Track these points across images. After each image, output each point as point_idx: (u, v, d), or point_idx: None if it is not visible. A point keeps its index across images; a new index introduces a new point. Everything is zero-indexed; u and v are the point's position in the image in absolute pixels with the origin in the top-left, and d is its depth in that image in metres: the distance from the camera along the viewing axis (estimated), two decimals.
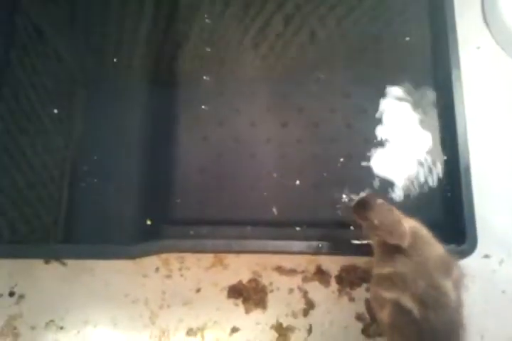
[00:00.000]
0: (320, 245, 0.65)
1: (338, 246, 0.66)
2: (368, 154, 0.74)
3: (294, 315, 0.69)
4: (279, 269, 0.70)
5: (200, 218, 0.70)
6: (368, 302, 0.68)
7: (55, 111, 0.75)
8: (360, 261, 0.70)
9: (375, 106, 0.76)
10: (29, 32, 0.78)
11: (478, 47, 0.83)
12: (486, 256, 0.72)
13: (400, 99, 0.77)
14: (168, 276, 0.70)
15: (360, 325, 0.68)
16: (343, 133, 0.75)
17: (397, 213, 0.57)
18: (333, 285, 0.70)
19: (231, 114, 0.76)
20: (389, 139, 0.75)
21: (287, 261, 0.71)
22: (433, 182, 0.73)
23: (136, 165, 0.73)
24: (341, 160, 0.74)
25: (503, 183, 0.75)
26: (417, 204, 0.71)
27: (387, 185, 0.72)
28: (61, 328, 0.67)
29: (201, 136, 0.75)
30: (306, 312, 0.69)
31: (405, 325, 0.53)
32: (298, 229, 0.70)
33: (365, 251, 0.62)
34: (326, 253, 0.66)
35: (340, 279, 0.70)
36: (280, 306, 0.69)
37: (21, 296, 0.68)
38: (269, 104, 0.77)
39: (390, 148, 0.74)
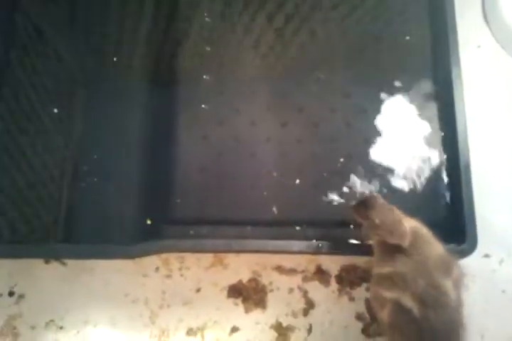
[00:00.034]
0: (320, 245, 0.65)
1: (338, 246, 0.66)
2: (368, 154, 0.74)
3: (294, 315, 0.68)
4: (279, 269, 0.70)
5: (200, 218, 0.70)
6: (368, 301, 0.68)
7: (55, 110, 0.75)
8: (360, 260, 0.70)
9: (375, 106, 0.76)
10: (29, 32, 0.78)
11: (479, 46, 0.83)
12: (486, 256, 0.72)
13: (399, 98, 0.77)
14: (168, 276, 0.70)
15: (360, 325, 0.68)
16: (343, 133, 0.75)
17: (398, 213, 0.57)
18: (333, 285, 0.70)
19: (231, 114, 0.76)
20: (389, 138, 0.75)
21: (287, 261, 0.70)
22: (433, 181, 0.73)
23: (136, 165, 0.73)
24: (341, 159, 0.74)
25: (504, 182, 0.75)
26: (417, 203, 0.72)
27: (387, 184, 0.72)
28: (61, 328, 0.67)
29: (201, 136, 0.75)
30: (306, 312, 0.69)
31: (405, 324, 0.53)
32: (298, 228, 0.70)
33: (365, 250, 0.62)
34: (326, 252, 0.66)
35: (340, 279, 0.70)
36: (280, 306, 0.69)
37: (21, 296, 0.68)
38: (269, 104, 0.77)
39: (390, 148, 0.74)
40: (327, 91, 0.77)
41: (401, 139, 0.75)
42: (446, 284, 0.53)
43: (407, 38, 0.81)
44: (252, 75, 0.78)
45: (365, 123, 0.76)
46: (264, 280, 0.70)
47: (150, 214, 0.70)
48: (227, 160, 0.74)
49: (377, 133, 0.75)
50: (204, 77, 0.78)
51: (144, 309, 0.68)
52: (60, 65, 0.78)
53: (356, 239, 0.67)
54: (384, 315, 0.55)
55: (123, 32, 0.80)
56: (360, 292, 0.69)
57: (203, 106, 0.76)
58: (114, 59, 0.79)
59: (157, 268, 0.70)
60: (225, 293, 0.69)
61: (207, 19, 0.80)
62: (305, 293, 0.69)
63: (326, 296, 0.69)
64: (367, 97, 0.77)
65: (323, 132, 0.75)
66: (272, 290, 0.69)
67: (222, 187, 0.72)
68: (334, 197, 0.71)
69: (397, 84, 0.78)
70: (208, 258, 0.70)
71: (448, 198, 0.71)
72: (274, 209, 0.71)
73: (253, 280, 0.69)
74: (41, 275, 0.69)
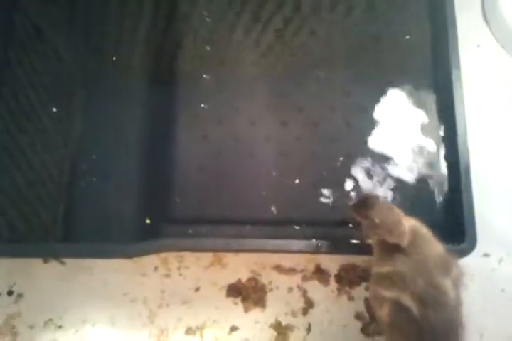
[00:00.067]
0: (319, 244, 0.65)
1: (338, 245, 0.66)
2: (368, 153, 0.74)
3: (293, 314, 0.68)
4: (278, 268, 0.70)
5: (200, 217, 0.70)
6: (367, 301, 0.68)
7: (55, 110, 0.75)
8: (359, 259, 0.70)
9: (375, 106, 0.76)
10: (28, 31, 0.78)
11: (479, 46, 0.83)
12: (486, 255, 0.72)
13: (399, 97, 0.77)
14: (167, 275, 0.70)
15: (359, 324, 0.68)
16: (343, 132, 0.75)
17: (398, 212, 0.57)
18: (333, 284, 0.70)
19: (231, 113, 0.76)
20: (388, 138, 0.75)
21: (286, 260, 0.70)
22: (433, 181, 0.73)
23: (135, 164, 0.73)
24: (341, 159, 0.73)
25: (503, 182, 0.75)
26: (417, 203, 0.71)
27: (387, 183, 0.72)
28: (60, 327, 0.67)
29: (201, 135, 0.75)
30: (305, 311, 0.69)
31: (404, 323, 0.53)
32: (297, 227, 0.70)
33: (364, 250, 0.62)
34: (325, 252, 0.66)
35: (339, 278, 0.70)
36: (279, 305, 0.69)
37: (20, 295, 0.68)
38: (269, 103, 0.77)
39: (390, 147, 0.74)
40: (327, 91, 0.77)
41: (401, 138, 0.75)
42: (445, 283, 0.53)
43: (407, 37, 0.81)
44: (252, 75, 0.78)
45: (365, 123, 0.76)
46: (264, 280, 0.70)
47: (149, 213, 0.70)
48: (227, 160, 0.74)
49: (377, 133, 0.75)
50: (204, 76, 0.78)
51: (142, 308, 0.68)
52: (60, 65, 0.78)
53: (356, 239, 0.67)
54: (383, 314, 0.55)
55: (122, 31, 0.80)
56: (360, 291, 0.69)
57: (202, 105, 0.76)
58: (114, 58, 0.79)
59: (156, 268, 0.70)
60: (224, 292, 0.69)
61: (207, 19, 0.80)
62: (304, 293, 0.69)
63: (325, 295, 0.69)
64: (367, 96, 0.77)
65: (323, 131, 0.75)
66: (271, 290, 0.69)
67: (221, 187, 0.72)
68: (333, 197, 0.71)
69: (397, 83, 0.77)
70: (207, 257, 0.70)
71: (448, 198, 0.71)
72: (274, 208, 0.71)
73: (252, 279, 0.69)
74: (40, 275, 0.69)
